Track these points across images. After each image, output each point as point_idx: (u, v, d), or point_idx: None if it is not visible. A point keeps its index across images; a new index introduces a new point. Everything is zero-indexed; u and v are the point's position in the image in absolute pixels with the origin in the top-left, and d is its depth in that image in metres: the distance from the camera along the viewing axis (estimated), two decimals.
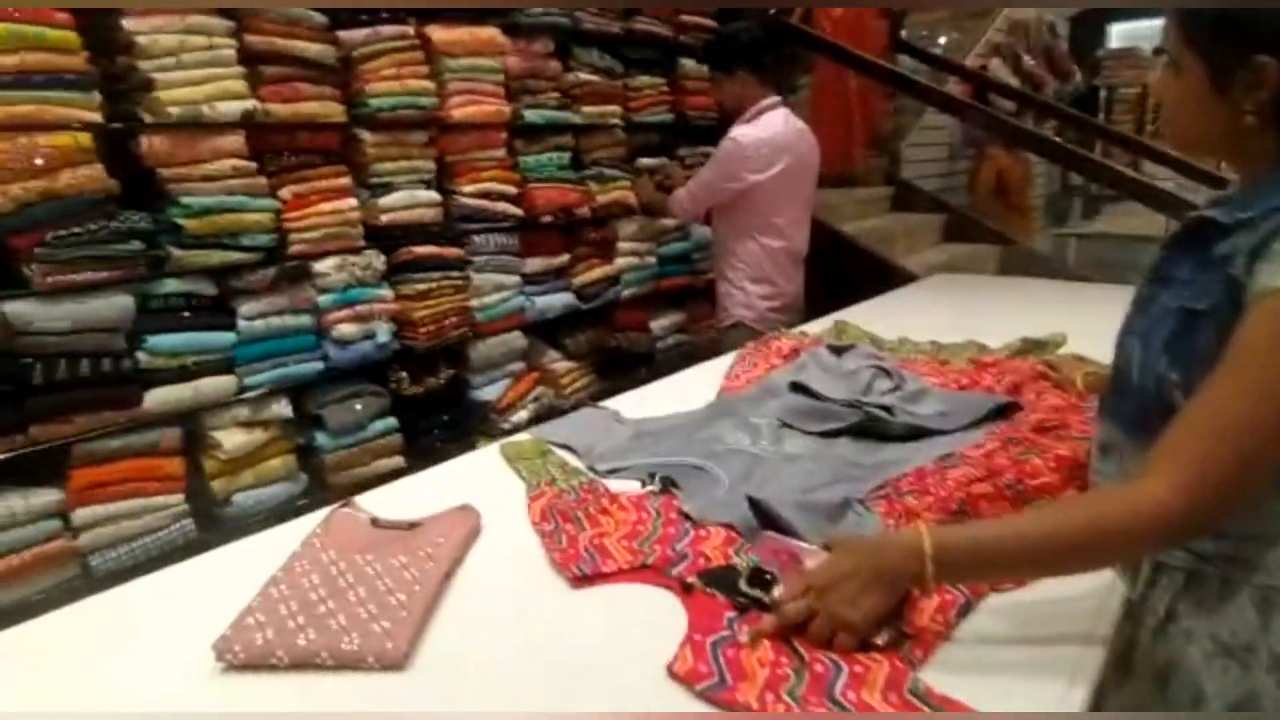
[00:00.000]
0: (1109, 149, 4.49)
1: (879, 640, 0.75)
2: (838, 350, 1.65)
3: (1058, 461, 1.06)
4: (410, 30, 2.15)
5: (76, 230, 1.63)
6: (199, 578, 0.98)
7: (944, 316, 2.07)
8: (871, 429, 1.29)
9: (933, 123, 4.65)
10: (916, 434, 1.27)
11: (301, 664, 0.77)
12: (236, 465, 1.94)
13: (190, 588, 0.96)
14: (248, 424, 1.95)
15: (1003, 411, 1.30)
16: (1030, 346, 1.68)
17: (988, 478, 1.05)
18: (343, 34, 2.02)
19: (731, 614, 0.83)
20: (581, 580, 0.92)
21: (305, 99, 1.96)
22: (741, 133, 2.31)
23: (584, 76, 2.59)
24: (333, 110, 2.02)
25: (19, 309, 1.59)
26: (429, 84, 2.19)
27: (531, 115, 2.45)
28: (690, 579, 0.89)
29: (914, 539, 0.74)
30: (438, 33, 2.20)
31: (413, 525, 1.04)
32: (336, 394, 2.10)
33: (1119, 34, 6.89)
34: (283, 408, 2.00)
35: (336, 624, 0.82)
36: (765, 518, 0.99)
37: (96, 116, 1.66)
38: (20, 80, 1.54)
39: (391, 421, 2.20)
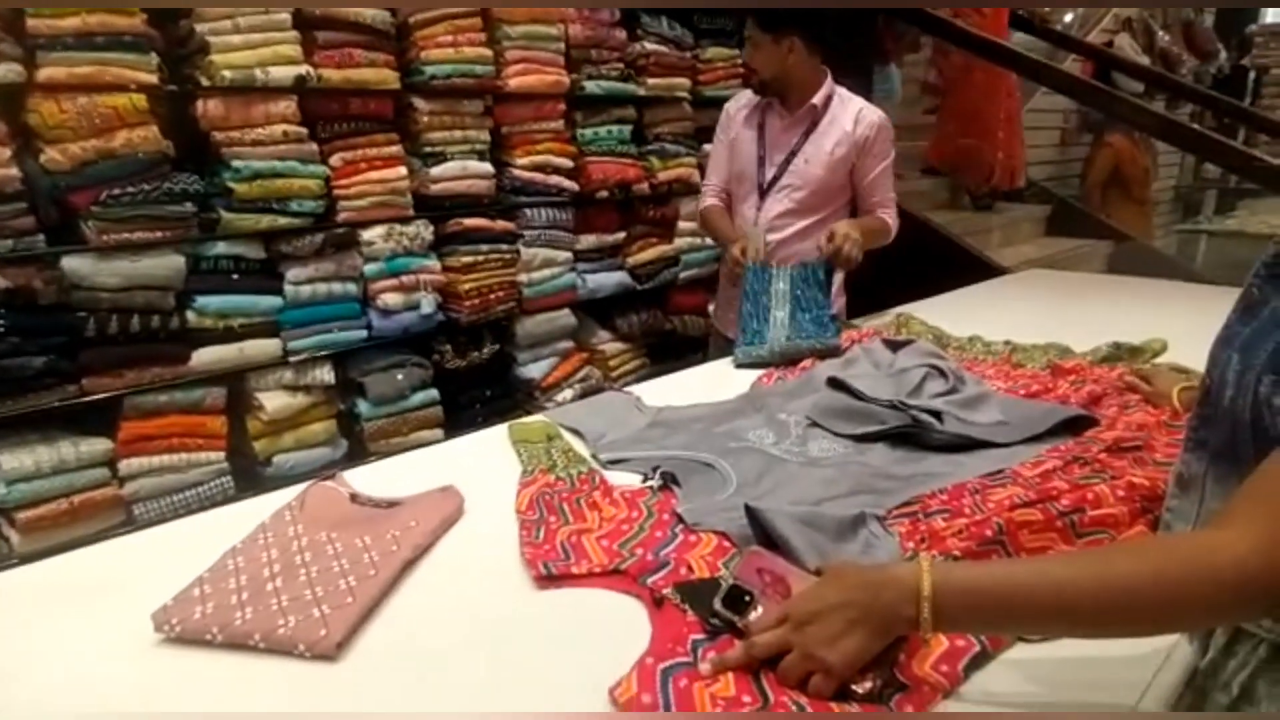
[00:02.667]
0: (1253, 136, 3.99)
1: (859, 689, 0.64)
2: (894, 346, 1.49)
3: (1129, 490, 0.89)
4: None
5: (131, 190, 1.68)
6: (191, 535, 0.97)
7: (1027, 315, 1.86)
8: (913, 436, 1.14)
9: (1043, 105, 4.26)
10: (966, 445, 1.11)
11: (235, 644, 0.74)
12: (278, 427, 1.97)
13: (188, 544, 0.93)
14: (291, 387, 1.98)
15: (1074, 425, 1.12)
16: (1121, 353, 1.47)
17: (1037, 502, 0.89)
18: None
19: (699, 636, 0.72)
20: (547, 580, 0.83)
21: (359, 65, 1.94)
22: (877, 111, 1.87)
23: (651, 46, 2.49)
24: (387, 77, 1.99)
25: (75, 264, 1.65)
26: (486, 51, 2.14)
27: (592, 86, 2.36)
28: (664, 591, 0.79)
29: (912, 576, 0.62)
30: None
31: (391, 504, 1.00)
32: (379, 363, 2.11)
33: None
34: (325, 373, 2.01)
35: (278, 604, 0.79)
36: (763, 530, 0.87)
37: (153, 78, 1.69)
38: (81, 41, 1.58)
39: (433, 393, 2.19)
